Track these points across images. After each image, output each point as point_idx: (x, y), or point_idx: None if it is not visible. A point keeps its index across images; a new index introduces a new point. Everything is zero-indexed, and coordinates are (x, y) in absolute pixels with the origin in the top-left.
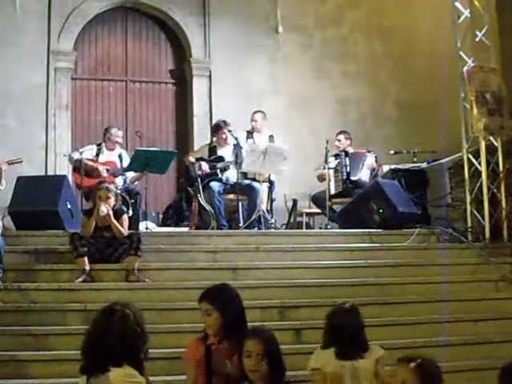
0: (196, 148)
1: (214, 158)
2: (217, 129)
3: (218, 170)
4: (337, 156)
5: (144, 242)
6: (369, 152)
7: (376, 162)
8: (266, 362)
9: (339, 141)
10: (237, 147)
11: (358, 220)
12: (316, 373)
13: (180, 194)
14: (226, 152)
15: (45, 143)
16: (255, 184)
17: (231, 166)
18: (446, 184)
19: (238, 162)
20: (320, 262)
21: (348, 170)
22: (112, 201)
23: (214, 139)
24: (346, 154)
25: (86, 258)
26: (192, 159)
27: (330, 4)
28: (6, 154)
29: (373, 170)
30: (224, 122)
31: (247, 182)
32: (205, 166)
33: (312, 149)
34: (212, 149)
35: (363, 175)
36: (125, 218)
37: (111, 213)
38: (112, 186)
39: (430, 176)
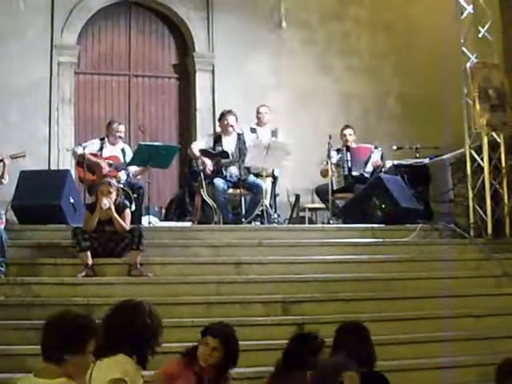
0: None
1: (218, 152)
2: (221, 116)
3: (223, 167)
4: (339, 151)
5: (147, 236)
6: (376, 148)
7: (382, 159)
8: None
9: (350, 135)
10: (241, 137)
11: (361, 215)
12: None
13: (183, 189)
14: (230, 142)
15: (48, 137)
16: (259, 181)
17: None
18: (448, 180)
19: (241, 157)
20: (323, 257)
21: (350, 166)
22: (114, 195)
23: (219, 129)
24: (348, 148)
25: (88, 253)
26: (196, 152)
27: None
28: (9, 148)
29: (377, 167)
30: (229, 110)
31: (251, 179)
32: (209, 164)
33: (315, 144)
34: (217, 138)
35: (367, 171)
36: (127, 212)
37: (113, 207)
38: (114, 181)
39: (433, 172)
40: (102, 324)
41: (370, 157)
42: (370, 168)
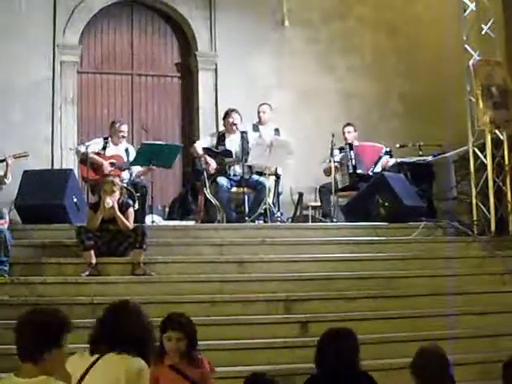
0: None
1: (221, 150)
2: (225, 115)
3: (227, 166)
4: (341, 149)
5: (150, 235)
6: (387, 150)
7: (390, 157)
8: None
9: (349, 132)
10: (244, 135)
11: (364, 213)
12: None
13: (186, 188)
14: (234, 141)
15: (51, 137)
16: (262, 180)
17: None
18: (451, 177)
19: (244, 156)
20: (326, 254)
21: (354, 163)
22: (117, 194)
23: (223, 128)
24: (351, 146)
25: (92, 252)
26: (199, 151)
27: None
28: (12, 148)
29: (384, 169)
30: (233, 109)
31: (255, 177)
32: (212, 163)
33: (318, 142)
34: (221, 137)
35: (375, 172)
36: (131, 211)
37: (116, 206)
38: (117, 180)
39: (436, 169)
40: (105, 325)
41: (380, 157)
42: (379, 168)
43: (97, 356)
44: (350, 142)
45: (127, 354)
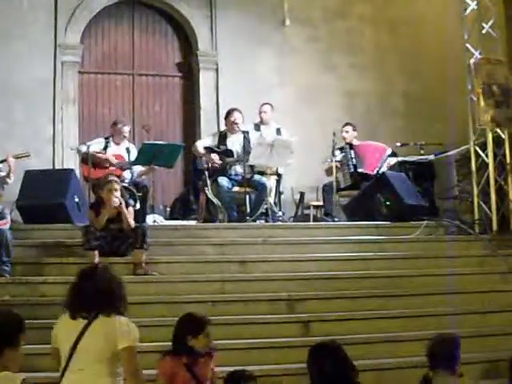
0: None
1: (222, 150)
2: (227, 114)
3: (228, 166)
4: (342, 149)
5: (152, 235)
6: (392, 152)
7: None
8: None
9: (347, 132)
10: (246, 135)
11: (365, 212)
12: None
13: (187, 188)
14: (235, 140)
15: (52, 137)
16: (264, 180)
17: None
18: (453, 176)
19: (245, 156)
20: (327, 254)
21: (354, 163)
22: (119, 193)
23: (225, 127)
24: (351, 146)
25: (96, 252)
26: (201, 150)
27: None
28: (14, 148)
29: (389, 168)
30: (235, 108)
31: (256, 177)
32: (216, 159)
33: (319, 141)
34: (222, 136)
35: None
36: (130, 210)
37: (123, 202)
38: (118, 180)
39: (437, 168)
40: (87, 288)
41: (384, 160)
42: (384, 169)
43: (87, 320)
44: (348, 141)
45: (113, 314)
